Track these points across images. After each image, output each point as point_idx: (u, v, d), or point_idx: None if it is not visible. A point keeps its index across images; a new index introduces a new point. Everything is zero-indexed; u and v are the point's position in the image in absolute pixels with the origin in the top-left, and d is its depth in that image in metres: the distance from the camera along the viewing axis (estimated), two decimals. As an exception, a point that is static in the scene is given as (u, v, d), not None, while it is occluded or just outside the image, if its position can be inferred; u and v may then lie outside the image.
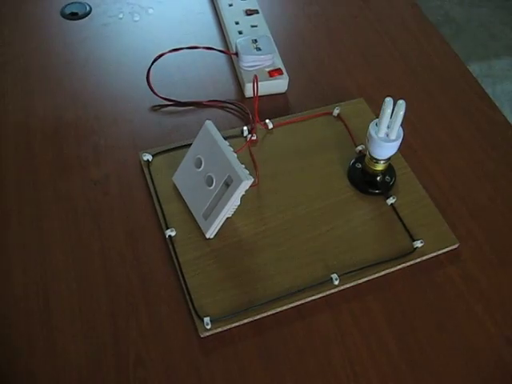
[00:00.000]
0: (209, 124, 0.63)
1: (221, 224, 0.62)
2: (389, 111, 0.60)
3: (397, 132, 0.63)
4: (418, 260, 0.63)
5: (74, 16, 0.87)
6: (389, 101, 0.60)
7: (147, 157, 0.69)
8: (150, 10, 0.89)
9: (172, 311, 0.59)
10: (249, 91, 0.76)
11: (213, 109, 0.77)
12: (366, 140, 0.65)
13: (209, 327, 0.57)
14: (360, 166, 0.69)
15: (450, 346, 0.59)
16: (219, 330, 0.57)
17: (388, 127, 0.63)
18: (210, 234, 0.63)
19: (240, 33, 0.82)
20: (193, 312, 0.58)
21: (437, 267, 0.64)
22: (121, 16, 0.88)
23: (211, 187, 0.62)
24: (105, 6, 0.89)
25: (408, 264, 0.63)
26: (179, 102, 0.76)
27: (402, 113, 0.60)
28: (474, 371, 0.57)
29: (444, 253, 0.65)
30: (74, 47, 0.83)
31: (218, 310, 0.58)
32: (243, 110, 0.76)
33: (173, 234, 0.63)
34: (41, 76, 0.79)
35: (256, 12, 0.86)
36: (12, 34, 0.84)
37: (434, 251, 0.64)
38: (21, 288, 0.60)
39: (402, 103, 0.60)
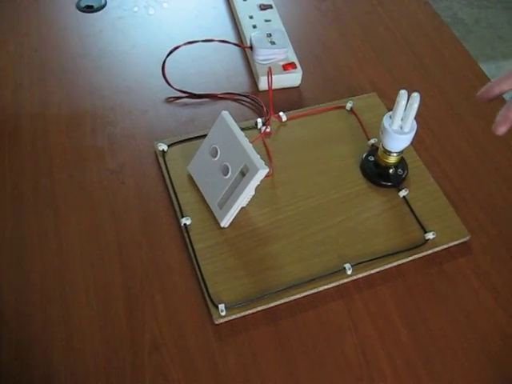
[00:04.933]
0: (225, 114, 0.64)
1: (235, 213, 0.63)
2: (403, 103, 0.61)
3: (410, 124, 0.63)
4: (430, 252, 0.64)
5: (89, 9, 0.88)
6: (403, 93, 0.61)
7: (162, 147, 0.70)
8: (165, 4, 0.90)
9: (187, 298, 0.60)
10: (263, 84, 0.77)
11: (227, 101, 0.77)
12: (380, 132, 0.65)
13: (223, 314, 0.58)
14: (373, 158, 0.70)
15: (461, 336, 0.59)
16: (233, 317, 0.58)
17: (402, 119, 0.63)
18: (225, 223, 0.63)
19: (254, 27, 0.83)
20: (207, 299, 0.59)
21: (448, 259, 0.64)
22: (136, 9, 0.89)
23: (227, 176, 0.63)
24: (120, -1, 0.90)
25: (420, 255, 0.64)
26: (194, 94, 0.77)
27: (416, 105, 0.61)
28: (484, 361, 0.58)
29: (455, 245, 0.65)
30: (89, 39, 0.84)
31: (232, 298, 0.59)
32: (257, 103, 0.77)
33: (188, 222, 0.64)
34: (57, 67, 0.80)
35: (270, 7, 0.86)
36: (28, 26, 0.85)
37: (446, 243, 0.65)
38: (38, 275, 0.61)
39: (416, 96, 0.61)
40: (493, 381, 0.57)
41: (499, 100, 0.81)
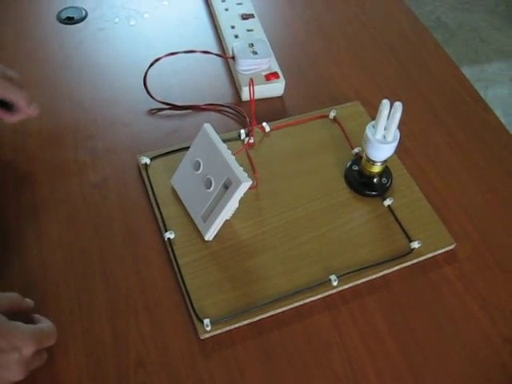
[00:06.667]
0: (207, 126, 0.63)
1: (219, 226, 0.63)
2: (386, 113, 0.61)
3: (393, 134, 0.63)
4: (416, 261, 0.64)
5: (70, 20, 0.87)
6: (386, 102, 0.61)
7: (145, 160, 0.69)
8: (146, 15, 0.89)
9: (171, 313, 0.59)
10: (245, 95, 0.77)
11: (210, 112, 0.77)
12: (363, 142, 0.65)
13: (209, 329, 0.57)
14: (357, 168, 0.70)
15: (448, 344, 0.59)
16: (219, 331, 0.58)
17: (385, 129, 0.63)
18: (209, 236, 0.63)
19: (236, 37, 0.83)
20: (192, 314, 0.58)
21: (434, 267, 0.64)
22: (117, 20, 0.88)
23: (210, 189, 0.62)
24: (101, 10, 0.89)
25: (406, 265, 0.64)
26: (176, 106, 0.77)
27: (398, 114, 0.61)
28: (471, 369, 0.58)
29: (441, 253, 0.65)
30: (70, 51, 0.83)
31: (218, 312, 0.58)
32: (240, 114, 0.76)
33: (172, 236, 0.63)
34: (37, 80, 0.79)
35: (252, 16, 0.86)
36: (8, 38, 0.84)
37: (431, 252, 0.65)
38: (20, 290, 0.59)
39: (398, 105, 0.60)
40: (480, 389, 0.57)
41: (482, 107, 0.82)
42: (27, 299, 0.55)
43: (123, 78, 0.80)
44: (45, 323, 0.54)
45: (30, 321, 0.54)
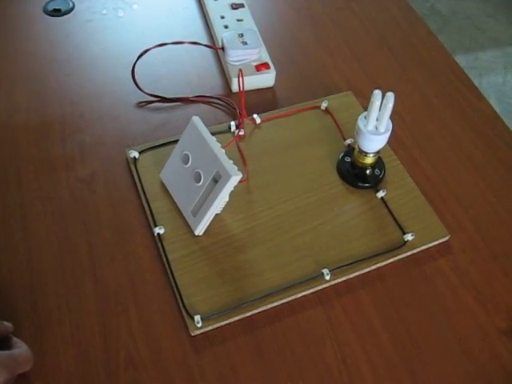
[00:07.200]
0: (196, 119, 0.62)
1: (210, 221, 0.62)
2: (377, 103, 0.60)
3: (386, 124, 0.62)
4: (409, 253, 0.63)
5: (57, 12, 0.86)
6: (377, 93, 0.59)
7: (134, 154, 0.68)
8: (135, 6, 0.88)
9: (162, 310, 0.58)
10: (235, 86, 0.75)
11: (199, 104, 0.76)
12: (355, 133, 0.64)
13: (199, 325, 0.56)
14: (349, 159, 0.69)
15: (442, 337, 0.58)
16: (210, 328, 0.57)
17: (377, 120, 0.62)
18: (199, 231, 0.62)
19: (226, 27, 0.81)
20: (183, 310, 0.57)
21: (428, 260, 0.64)
22: (105, 12, 0.87)
23: (199, 183, 0.61)
24: (88, 1, 0.88)
25: (399, 257, 0.63)
26: (165, 98, 0.75)
27: (390, 105, 0.60)
28: (466, 362, 0.57)
29: (435, 245, 0.64)
30: (57, 44, 0.82)
31: (209, 308, 0.58)
32: (230, 105, 0.75)
33: (161, 231, 0.62)
34: (24, 73, 0.78)
35: (241, 6, 0.85)
36: (-7, 31, 0.83)
37: (425, 244, 0.64)
38: (7, 290, 0.59)
39: (390, 95, 0.59)
40: (474, 381, 0.56)
41: (476, 95, 0.81)
42: (5, 322, 0.54)
43: (111, 70, 0.79)
44: (20, 348, 0.52)
45: (6, 343, 0.53)
